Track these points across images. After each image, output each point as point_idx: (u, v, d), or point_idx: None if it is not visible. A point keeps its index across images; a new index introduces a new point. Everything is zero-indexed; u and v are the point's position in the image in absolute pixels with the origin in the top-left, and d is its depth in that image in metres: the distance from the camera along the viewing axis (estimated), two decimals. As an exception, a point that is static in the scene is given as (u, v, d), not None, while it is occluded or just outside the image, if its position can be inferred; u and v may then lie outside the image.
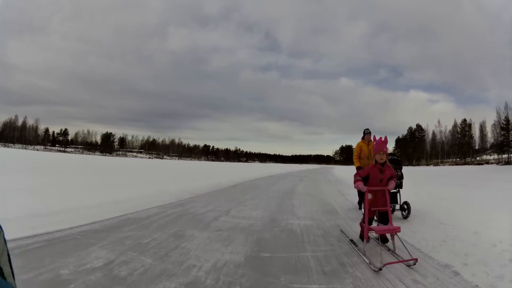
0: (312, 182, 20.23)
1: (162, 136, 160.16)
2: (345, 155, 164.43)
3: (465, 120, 74.31)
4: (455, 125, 77.08)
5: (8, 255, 0.70)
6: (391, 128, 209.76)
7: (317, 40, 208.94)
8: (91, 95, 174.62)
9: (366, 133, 8.34)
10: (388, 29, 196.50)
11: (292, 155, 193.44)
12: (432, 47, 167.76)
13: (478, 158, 69.52)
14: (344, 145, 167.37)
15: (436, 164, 75.27)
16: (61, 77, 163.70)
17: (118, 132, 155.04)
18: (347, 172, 38.59)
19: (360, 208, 8.24)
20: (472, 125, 72.96)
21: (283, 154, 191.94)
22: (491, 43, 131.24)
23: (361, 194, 8.27)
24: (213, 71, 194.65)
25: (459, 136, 74.13)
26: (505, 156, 61.14)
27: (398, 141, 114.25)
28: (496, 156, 64.57)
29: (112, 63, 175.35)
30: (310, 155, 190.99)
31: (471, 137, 72.46)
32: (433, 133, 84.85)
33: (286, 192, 12.42)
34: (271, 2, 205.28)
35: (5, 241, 0.71)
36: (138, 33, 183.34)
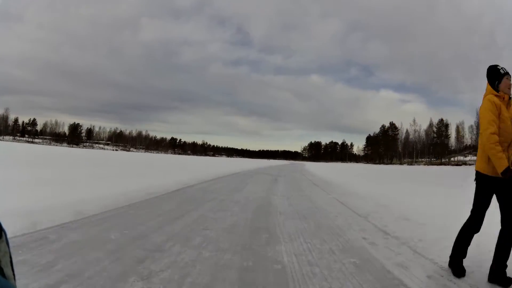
0: (292, 184, 15.09)
1: (131, 128, 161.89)
2: (313, 151, 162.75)
3: (442, 120, 73.47)
4: (430, 125, 75.86)
5: (10, 257, 0.68)
6: (361, 126, 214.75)
7: (288, 36, 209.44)
8: (64, 86, 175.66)
9: (504, 73, 2.93)
10: (361, 28, 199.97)
11: (260, 150, 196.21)
12: (405, 47, 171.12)
13: (453, 159, 68.31)
14: (313, 141, 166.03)
15: (410, 164, 73.44)
16: (35, 67, 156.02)
17: (89, 123, 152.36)
18: (326, 169, 34.05)
19: (458, 274, 3.03)
20: (448, 126, 71.81)
21: (251, 149, 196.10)
22: (467, 47, 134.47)
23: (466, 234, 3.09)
24: (184, 64, 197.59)
25: (435, 136, 72.68)
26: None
27: (368, 138, 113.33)
28: (473, 158, 63.61)
29: (85, 54, 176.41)
30: (278, 150, 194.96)
31: (447, 137, 71.25)
32: (407, 132, 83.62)
33: (257, 210, 6.95)
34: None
35: (7, 243, 0.68)
36: (112, 25, 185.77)
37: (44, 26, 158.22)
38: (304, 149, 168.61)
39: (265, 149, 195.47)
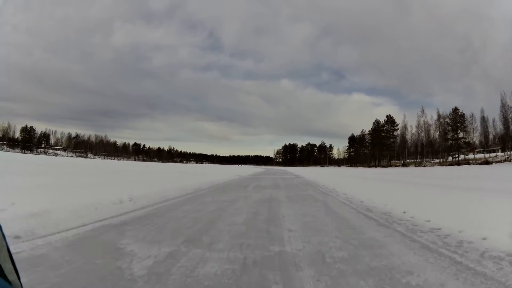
0: None
1: (101, 135, 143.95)
2: (288, 155, 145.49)
3: (456, 108, 57.13)
4: (438, 117, 60.17)
5: (9, 250, 0.65)
6: (334, 130, 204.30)
7: (260, 41, 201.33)
8: (32, 91, 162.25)
9: None
10: (333, 32, 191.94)
11: (230, 156, 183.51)
12: (377, 51, 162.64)
13: (469, 156, 53.19)
14: (287, 144, 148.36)
15: (418, 165, 57.35)
16: (3, 71, 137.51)
17: (60, 130, 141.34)
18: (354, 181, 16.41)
19: None
20: (464, 116, 56.14)
21: (221, 155, 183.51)
22: (441, 49, 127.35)
23: None
24: (154, 70, 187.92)
25: (449, 129, 56.73)
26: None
27: (352, 139, 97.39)
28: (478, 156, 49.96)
29: (56, 58, 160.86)
30: (249, 156, 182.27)
31: (464, 129, 55.43)
32: (404, 128, 68.04)
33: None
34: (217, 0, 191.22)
35: (4, 236, 0.65)
36: (84, 28, 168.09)
37: (19, 28, 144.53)
38: (278, 152, 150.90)
39: (235, 155, 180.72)
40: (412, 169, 46.44)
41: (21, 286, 0.65)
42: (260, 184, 15.74)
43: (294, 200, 8.69)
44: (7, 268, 0.61)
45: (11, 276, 0.61)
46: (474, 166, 44.50)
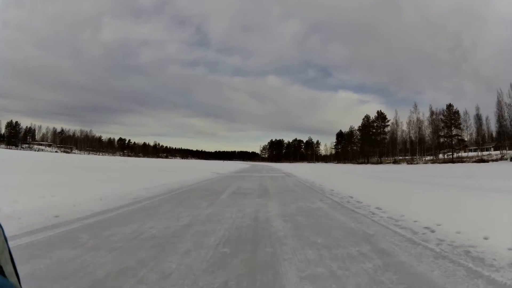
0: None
1: (83, 129, 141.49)
2: (274, 151, 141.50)
3: (451, 105, 54.30)
4: (431, 113, 57.32)
5: (10, 253, 0.64)
6: (320, 127, 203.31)
7: (247, 38, 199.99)
8: (23, 87, 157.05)
9: None
10: (322, 29, 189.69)
11: (216, 151, 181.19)
12: (366, 49, 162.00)
13: (462, 154, 50.54)
14: (274, 139, 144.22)
15: (410, 162, 54.40)
16: None
17: (49, 126, 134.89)
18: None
19: None
20: (458, 113, 53.35)
21: (206, 150, 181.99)
22: (431, 48, 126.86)
23: None
24: (142, 66, 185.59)
25: (442, 126, 54.02)
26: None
27: (340, 135, 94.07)
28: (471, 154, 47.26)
29: (46, 54, 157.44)
30: (235, 151, 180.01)
31: (458, 127, 52.69)
32: (395, 124, 64.92)
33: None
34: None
35: (5, 238, 0.64)
36: (74, 24, 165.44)
37: (9, 24, 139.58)
38: (264, 148, 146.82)
39: (221, 150, 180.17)
40: (406, 167, 43.22)
41: None
42: (241, 188, 11.29)
43: (304, 234, 4.32)
44: (8, 270, 0.60)
45: (12, 279, 0.60)
46: (473, 164, 41.74)
